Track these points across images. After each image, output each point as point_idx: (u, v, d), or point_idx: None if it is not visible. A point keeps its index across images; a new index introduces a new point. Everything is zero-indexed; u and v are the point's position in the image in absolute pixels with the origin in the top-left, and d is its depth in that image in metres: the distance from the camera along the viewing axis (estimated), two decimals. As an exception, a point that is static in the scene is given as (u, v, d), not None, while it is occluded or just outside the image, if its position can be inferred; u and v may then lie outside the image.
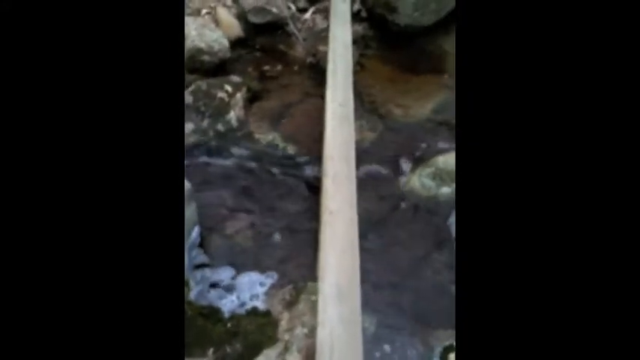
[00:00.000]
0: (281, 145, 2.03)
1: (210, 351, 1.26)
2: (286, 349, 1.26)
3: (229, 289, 1.49)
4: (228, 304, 1.42)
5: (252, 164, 1.93)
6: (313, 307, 1.33)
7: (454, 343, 1.37)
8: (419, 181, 1.79)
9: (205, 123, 2.03)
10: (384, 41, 2.60)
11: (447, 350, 1.35)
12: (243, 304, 1.42)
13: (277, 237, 1.70)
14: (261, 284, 1.48)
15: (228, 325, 1.33)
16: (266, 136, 2.06)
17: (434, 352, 1.35)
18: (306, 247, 1.65)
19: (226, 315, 1.39)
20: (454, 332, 1.40)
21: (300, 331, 1.30)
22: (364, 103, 2.23)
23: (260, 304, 1.42)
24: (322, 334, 1.21)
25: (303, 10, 2.72)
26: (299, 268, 1.59)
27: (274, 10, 2.51)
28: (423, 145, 2.01)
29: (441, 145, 1.98)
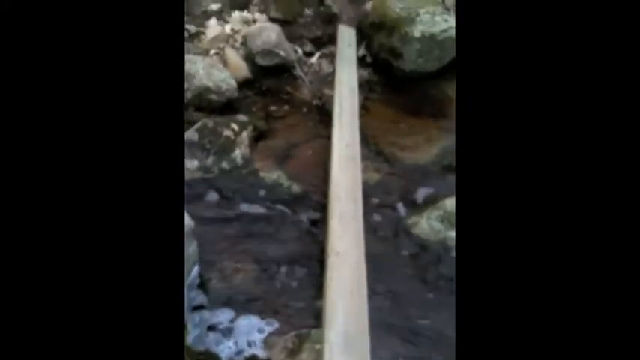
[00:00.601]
0: (286, 184, 2.00)
1: None
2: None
3: (227, 333, 1.41)
4: (225, 350, 1.34)
5: (257, 203, 1.89)
6: (318, 357, 1.24)
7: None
8: (427, 223, 1.75)
9: (210, 160, 2.02)
10: (389, 85, 2.64)
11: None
12: (241, 352, 1.33)
13: (279, 278, 1.63)
14: (260, 330, 1.40)
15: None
16: (271, 174, 2.04)
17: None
18: (309, 289, 1.58)
19: (224, 362, 1.30)
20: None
21: (304, 382, 1.21)
22: (369, 145, 2.22)
23: (260, 352, 1.34)
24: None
25: (310, 55, 2.79)
26: (302, 312, 1.52)
27: (281, 53, 2.57)
28: (429, 188, 1.98)
29: (448, 188, 1.95)
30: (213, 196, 1.92)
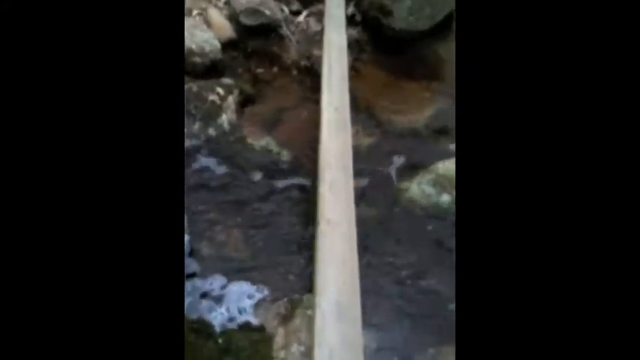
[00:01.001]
0: (275, 150, 1.96)
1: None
2: (282, 368, 1.19)
3: (219, 299, 1.41)
4: (218, 317, 1.34)
5: (245, 170, 1.86)
6: (310, 323, 1.25)
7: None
8: (418, 188, 1.73)
9: (196, 126, 1.96)
10: (379, 46, 2.55)
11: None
12: (233, 319, 1.34)
13: (270, 245, 1.62)
14: (250, 296, 1.40)
15: (220, 341, 1.25)
16: (260, 141, 1.99)
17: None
18: (300, 257, 1.59)
19: (217, 330, 1.31)
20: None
21: (296, 349, 1.23)
22: (360, 109, 2.17)
23: (253, 319, 1.35)
24: (320, 356, 1.13)
25: (297, 13, 2.66)
26: (293, 279, 1.52)
27: (267, 12, 2.45)
28: (422, 152, 1.96)
29: (440, 152, 1.93)
30: (201, 163, 1.88)
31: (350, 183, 1.57)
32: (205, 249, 1.59)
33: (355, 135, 1.96)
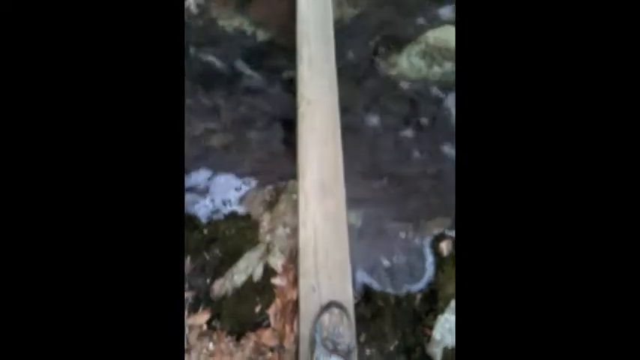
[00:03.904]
0: (249, 31, 1.77)
1: (188, 260, 1.18)
2: (268, 250, 1.19)
3: (204, 192, 1.38)
4: (202, 209, 1.32)
5: (218, 57, 1.70)
6: (295, 206, 1.22)
7: (445, 232, 1.31)
8: (407, 61, 1.58)
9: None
10: None
11: (438, 239, 1.28)
12: (217, 210, 1.31)
13: (254, 136, 1.54)
14: (237, 189, 1.36)
15: (205, 231, 1.24)
16: (232, 21, 1.79)
17: (425, 242, 1.29)
18: (287, 145, 1.51)
19: (203, 221, 1.29)
20: (444, 220, 1.33)
21: (282, 231, 1.21)
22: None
23: (239, 208, 1.32)
24: (305, 234, 1.12)
25: None
26: (279, 167, 1.47)
27: None
28: (412, 19, 1.76)
29: (432, 18, 1.73)
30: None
31: (331, 59, 1.44)
32: (186, 143, 1.52)
33: (338, 5, 1.76)
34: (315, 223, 1.12)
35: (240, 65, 1.71)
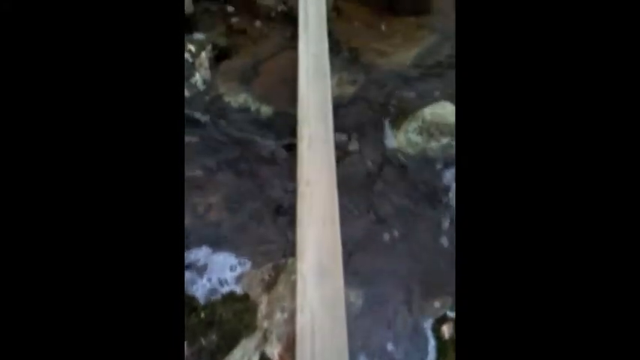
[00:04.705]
0: (254, 107, 1.84)
1: (185, 345, 1.16)
2: (265, 338, 1.16)
3: (202, 270, 1.37)
4: (199, 288, 1.31)
5: (223, 131, 1.76)
6: (293, 289, 1.21)
7: (447, 313, 1.27)
8: (405, 137, 1.63)
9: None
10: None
11: (439, 322, 1.25)
12: (215, 290, 1.30)
13: (255, 211, 1.56)
14: (232, 268, 1.35)
15: (202, 314, 1.22)
16: (237, 97, 1.87)
17: (426, 324, 1.25)
18: (287, 222, 1.52)
19: (201, 302, 1.28)
20: (447, 300, 1.30)
21: (280, 316, 1.19)
22: (342, 52, 2.02)
23: (237, 288, 1.31)
24: (302, 321, 1.10)
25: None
26: (279, 247, 1.47)
27: (237, -48, 2.23)
28: (409, 96, 1.82)
29: (429, 94, 1.79)
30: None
31: (330, 138, 1.48)
32: (187, 219, 1.54)
33: (338, 83, 1.84)
34: (313, 310, 1.10)
35: (248, 138, 1.76)
